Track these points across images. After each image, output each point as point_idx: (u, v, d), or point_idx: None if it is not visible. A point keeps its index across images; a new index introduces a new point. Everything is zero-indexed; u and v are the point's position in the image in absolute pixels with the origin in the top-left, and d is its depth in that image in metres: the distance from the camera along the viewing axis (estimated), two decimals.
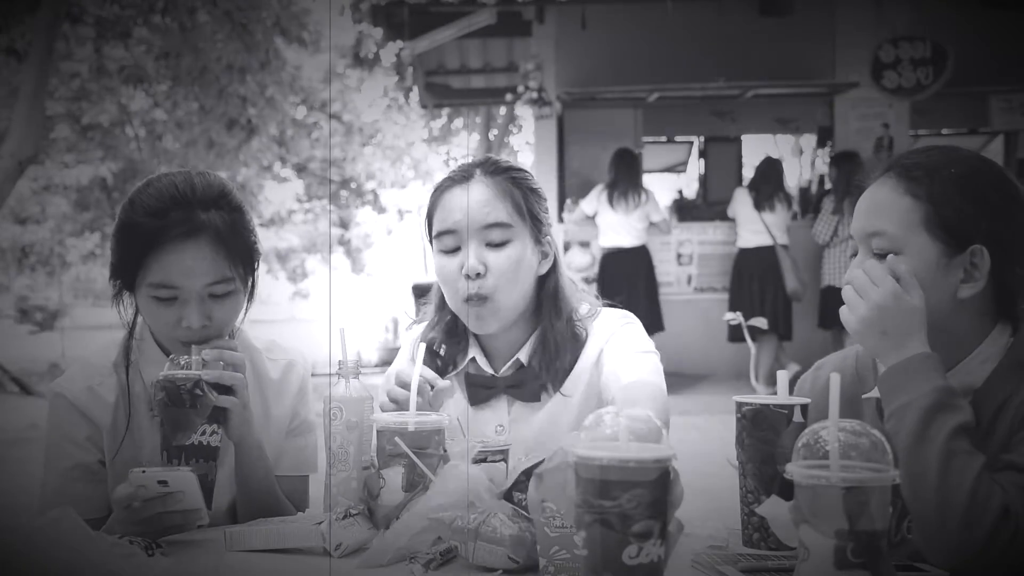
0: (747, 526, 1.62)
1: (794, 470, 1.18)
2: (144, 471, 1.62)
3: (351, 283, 25.13)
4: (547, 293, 1.97)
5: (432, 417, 1.63)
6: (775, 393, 1.64)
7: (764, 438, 1.58)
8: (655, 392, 1.84)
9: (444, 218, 1.93)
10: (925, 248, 1.57)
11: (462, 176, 1.95)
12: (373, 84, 20.25)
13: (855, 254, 1.66)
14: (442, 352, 1.99)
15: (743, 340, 6.09)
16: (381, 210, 23.09)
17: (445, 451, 1.62)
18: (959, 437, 1.45)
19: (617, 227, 8.32)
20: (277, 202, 22.22)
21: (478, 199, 1.91)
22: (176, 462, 1.70)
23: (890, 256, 1.58)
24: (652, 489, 1.14)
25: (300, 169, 20.57)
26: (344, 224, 23.81)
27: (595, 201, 8.39)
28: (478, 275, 1.88)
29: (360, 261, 24.61)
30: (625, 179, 8.35)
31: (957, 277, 1.57)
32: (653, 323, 8.02)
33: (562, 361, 1.94)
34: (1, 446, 7.19)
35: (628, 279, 8.20)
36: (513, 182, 1.95)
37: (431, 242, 2.00)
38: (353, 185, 21.97)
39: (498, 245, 1.91)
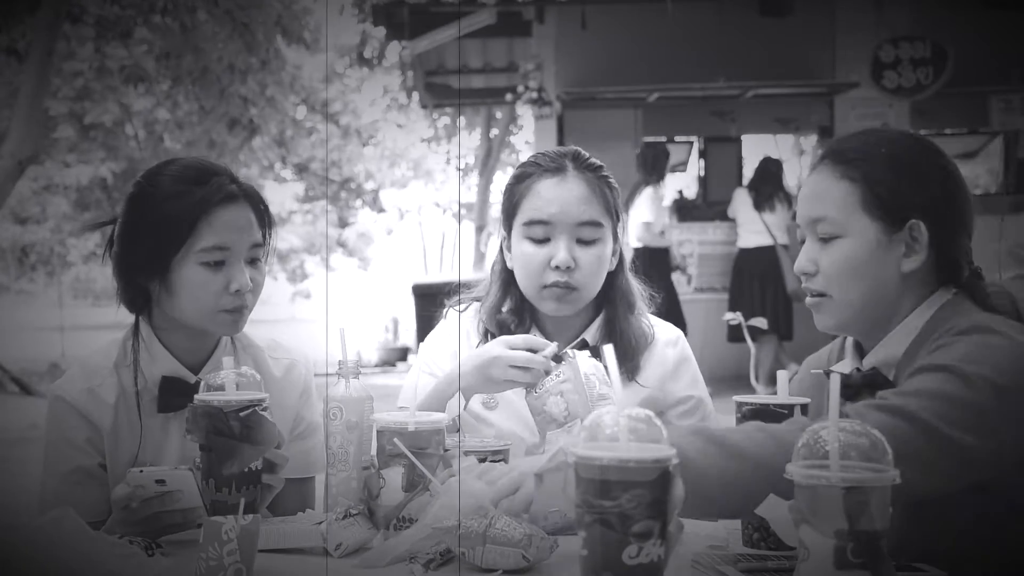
0: (747, 526, 1.62)
1: (794, 470, 1.18)
2: (141, 471, 1.62)
3: (351, 283, 25.14)
4: (617, 287, 2.02)
5: (432, 417, 1.63)
6: (775, 393, 1.64)
7: None
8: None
9: (539, 208, 1.95)
10: (865, 229, 1.61)
11: (555, 167, 1.97)
12: (373, 84, 20.28)
13: (803, 241, 1.69)
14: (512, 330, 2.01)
15: (743, 340, 6.11)
16: (380, 210, 23.11)
17: (446, 451, 1.61)
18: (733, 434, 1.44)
19: None
20: (277, 202, 22.24)
21: (577, 195, 1.95)
22: (227, 491, 1.63)
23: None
24: (652, 489, 1.13)
25: (301, 169, 20.56)
26: (344, 224, 23.83)
27: None
28: (568, 268, 1.91)
29: (365, 259, 24.68)
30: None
31: (899, 252, 1.61)
32: None
33: (638, 355, 1.99)
34: (1, 446, 7.18)
35: None
36: (603, 180, 1.99)
37: (508, 225, 2.02)
38: (353, 185, 21.97)
39: (589, 242, 1.94)
